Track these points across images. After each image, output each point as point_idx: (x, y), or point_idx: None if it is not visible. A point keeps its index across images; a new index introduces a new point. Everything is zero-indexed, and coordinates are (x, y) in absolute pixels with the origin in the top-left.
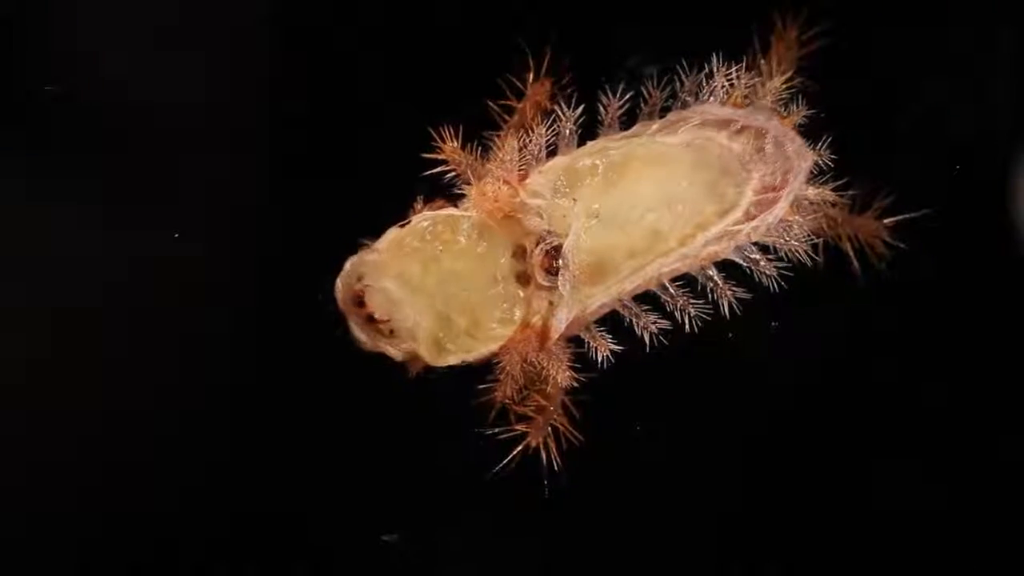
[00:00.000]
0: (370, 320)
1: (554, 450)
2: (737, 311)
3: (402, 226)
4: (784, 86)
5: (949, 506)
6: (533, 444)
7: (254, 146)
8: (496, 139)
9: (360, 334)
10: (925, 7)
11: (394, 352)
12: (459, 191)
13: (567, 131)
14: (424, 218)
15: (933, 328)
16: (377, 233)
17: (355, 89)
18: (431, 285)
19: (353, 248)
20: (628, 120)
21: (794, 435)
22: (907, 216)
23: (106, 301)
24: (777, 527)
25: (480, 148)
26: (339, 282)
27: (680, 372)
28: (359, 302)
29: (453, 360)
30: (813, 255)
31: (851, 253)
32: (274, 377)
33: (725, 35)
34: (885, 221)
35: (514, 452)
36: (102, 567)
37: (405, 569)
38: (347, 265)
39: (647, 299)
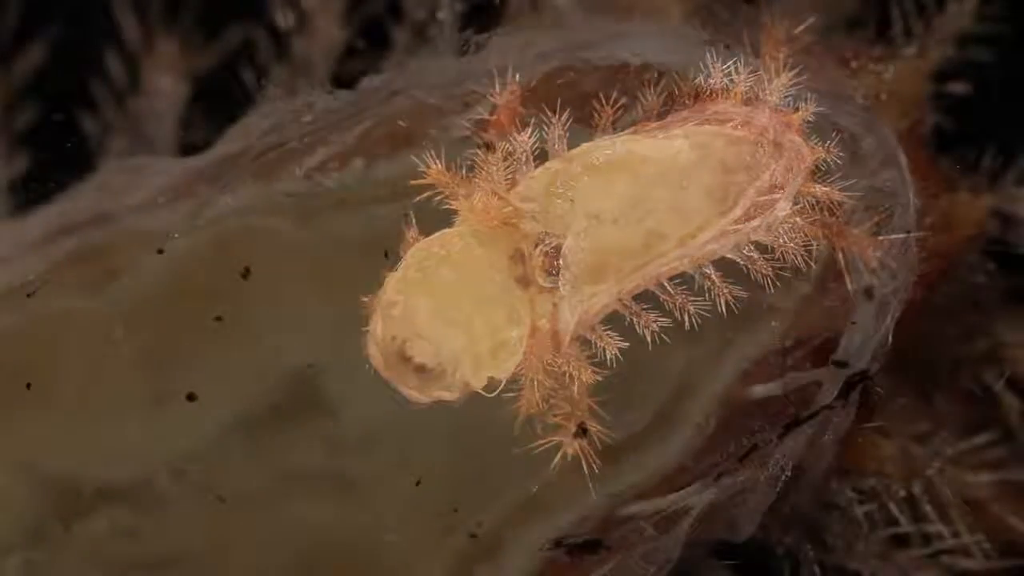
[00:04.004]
0: (420, 369)
1: (592, 454)
2: (735, 310)
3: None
4: (790, 83)
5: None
6: (570, 452)
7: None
8: (479, 153)
9: (411, 391)
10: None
11: (449, 394)
12: (451, 207)
13: (555, 135)
14: (419, 249)
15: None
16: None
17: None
18: (451, 307)
19: None
20: (624, 122)
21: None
22: (901, 236)
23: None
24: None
25: (467, 163)
26: (375, 348)
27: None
28: (406, 357)
29: (495, 374)
30: (808, 260)
31: (844, 267)
32: None
33: (727, 33)
34: (879, 239)
35: (553, 462)
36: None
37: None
38: (377, 329)
39: (646, 297)
